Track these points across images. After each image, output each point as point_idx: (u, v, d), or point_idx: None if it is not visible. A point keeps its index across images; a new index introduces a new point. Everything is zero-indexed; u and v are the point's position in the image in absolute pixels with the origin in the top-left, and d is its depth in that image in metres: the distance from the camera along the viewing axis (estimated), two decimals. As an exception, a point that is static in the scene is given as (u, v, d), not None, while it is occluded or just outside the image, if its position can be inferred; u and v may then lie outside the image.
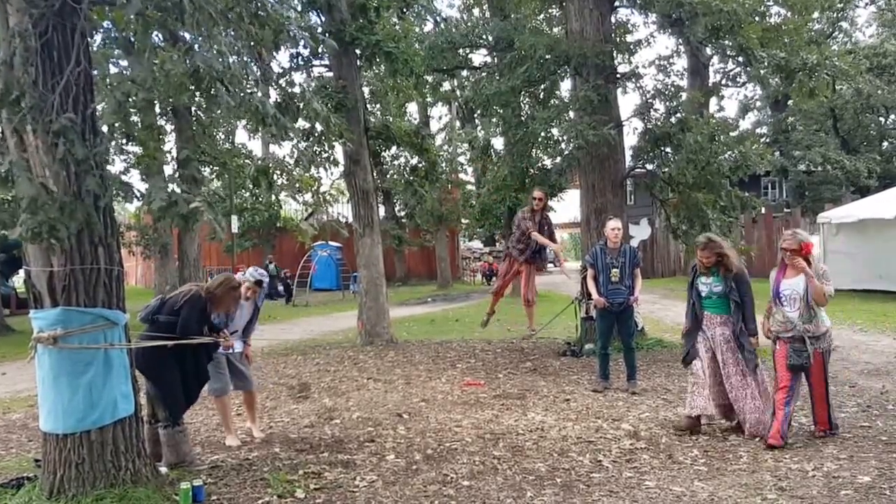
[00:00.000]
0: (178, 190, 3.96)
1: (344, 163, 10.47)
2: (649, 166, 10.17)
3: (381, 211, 23.75)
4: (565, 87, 12.32)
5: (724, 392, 5.23)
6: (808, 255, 4.84)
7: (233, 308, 4.95)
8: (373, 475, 4.43)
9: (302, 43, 4.65)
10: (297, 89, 6.24)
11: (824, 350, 4.92)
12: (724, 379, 5.20)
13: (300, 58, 9.57)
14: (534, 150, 10.09)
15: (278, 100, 4.97)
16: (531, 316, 8.47)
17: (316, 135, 9.38)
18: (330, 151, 10.42)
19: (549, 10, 14.27)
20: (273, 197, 26.39)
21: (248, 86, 4.17)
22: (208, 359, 4.81)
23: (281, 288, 21.90)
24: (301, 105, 4.85)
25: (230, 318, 5.19)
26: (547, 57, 9.58)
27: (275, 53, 5.33)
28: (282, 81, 8.58)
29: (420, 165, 12.62)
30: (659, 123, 9.50)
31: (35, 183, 3.50)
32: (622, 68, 10.12)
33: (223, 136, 21.34)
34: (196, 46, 3.68)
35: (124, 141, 9.64)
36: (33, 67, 3.56)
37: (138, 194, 4.06)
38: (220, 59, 3.68)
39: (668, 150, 9.50)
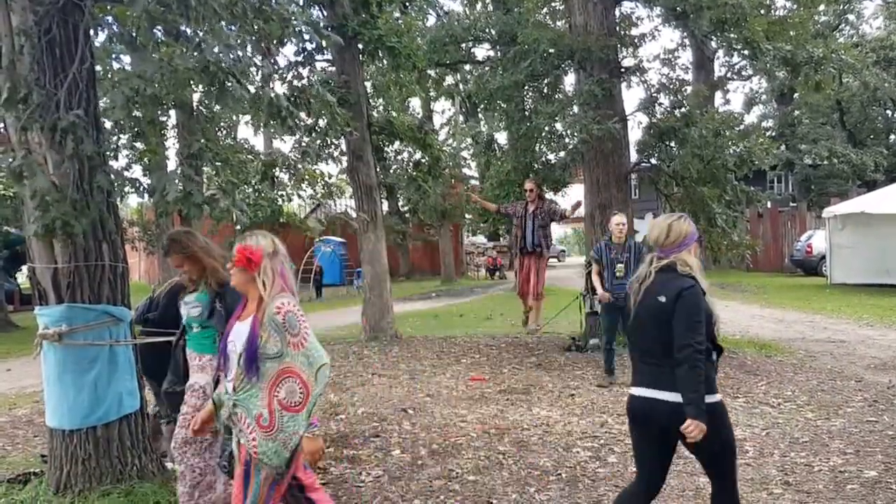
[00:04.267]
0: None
1: (347, 158, 10.46)
2: (654, 161, 10.11)
3: (385, 206, 23.73)
4: (569, 81, 12.26)
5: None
6: (254, 271, 2.64)
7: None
8: (378, 470, 4.44)
9: (307, 38, 4.64)
10: (304, 82, 6.27)
11: (270, 462, 2.55)
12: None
13: (304, 52, 9.55)
14: (537, 145, 10.04)
15: (286, 93, 4.96)
16: (538, 310, 8.41)
17: (320, 129, 9.36)
18: (337, 143, 10.43)
19: (553, 4, 14.19)
20: (277, 192, 26.40)
21: (255, 80, 4.16)
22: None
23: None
24: (310, 98, 4.85)
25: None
26: (550, 51, 9.53)
27: (280, 49, 5.33)
28: (288, 76, 8.58)
29: (423, 160, 12.60)
30: (664, 118, 9.44)
31: (47, 177, 3.51)
32: (627, 62, 10.06)
33: (224, 132, 21.33)
34: (200, 43, 3.67)
35: (130, 136, 9.66)
36: (38, 65, 3.55)
37: (149, 188, 4.07)
38: (231, 53, 3.68)
39: (672, 144, 9.44)
